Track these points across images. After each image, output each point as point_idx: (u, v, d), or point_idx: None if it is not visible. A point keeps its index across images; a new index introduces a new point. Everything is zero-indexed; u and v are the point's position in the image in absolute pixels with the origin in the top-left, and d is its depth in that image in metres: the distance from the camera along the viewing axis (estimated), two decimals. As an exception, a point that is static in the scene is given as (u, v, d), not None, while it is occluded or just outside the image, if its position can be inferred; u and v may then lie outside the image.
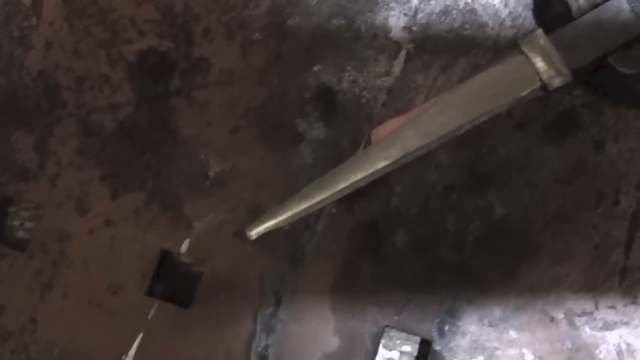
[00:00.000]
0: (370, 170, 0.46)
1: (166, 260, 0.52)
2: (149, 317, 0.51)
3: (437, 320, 0.50)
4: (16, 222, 0.54)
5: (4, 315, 0.52)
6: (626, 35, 0.47)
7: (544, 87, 0.46)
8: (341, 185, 0.47)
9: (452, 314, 0.50)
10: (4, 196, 0.53)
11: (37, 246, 0.52)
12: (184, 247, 0.52)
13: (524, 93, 0.46)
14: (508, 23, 0.52)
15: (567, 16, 0.48)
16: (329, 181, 0.47)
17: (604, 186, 0.51)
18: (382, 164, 0.46)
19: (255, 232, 0.47)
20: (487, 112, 0.46)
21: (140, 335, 0.51)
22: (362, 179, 0.47)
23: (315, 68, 0.52)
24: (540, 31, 0.47)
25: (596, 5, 0.48)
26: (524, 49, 0.46)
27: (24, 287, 0.52)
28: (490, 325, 0.50)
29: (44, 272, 0.52)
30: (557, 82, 0.46)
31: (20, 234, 0.54)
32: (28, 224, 0.54)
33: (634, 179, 0.51)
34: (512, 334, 0.50)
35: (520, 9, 0.52)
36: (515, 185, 0.51)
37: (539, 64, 0.46)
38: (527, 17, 0.52)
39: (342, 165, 0.48)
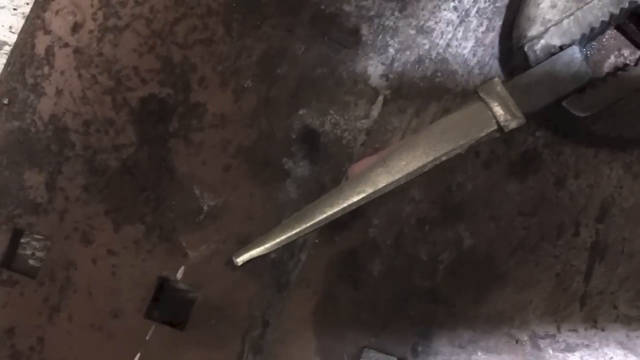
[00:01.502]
0: (345, 204, 0.50)
1: (163, 287, 0.55)
2: (147, 338, 0.54)
3: (411, 342, 0.53)
4: (28, 252, 0.56)
5: (15, 336, 0.54)
6: (578, 82, 0.51)
7: (500, 129, 0.50)
8: (319, 217, 0.50)
9: (425, 336, 0.53)
10: (17, 228, 0.55)
11: (46, 274, 0.54)
12: (179, 275, 0.54)
13: (482, 134, 0.50)
14: (476, 71, 0.56)
15: (526, 65, 0.52)
16: (308, 213, 0.51)
17: (564, 219, 0.54)
18: (355, 198, 0.50)
19: (241, 259, 0.51)
20: (448, 152, 0.50)
21: (138, 355, 0.53)
22: (337, 212, 0.50)
23: (301, 112, 0.56)
24: (496, 79, 0.51)
25: (552, 55, 0.51)
26: (482, 95, 0.50)
27: (34, 311, 0.54)
28: (460, 346, 0.53)
29: (51, 297, 0.54)
30: (512, 124, 0.50)
31: (31, 262, 0.56)
32: (38, 254, 0.56)
33: (593, 212, 0.54)
34: (480, 354, 0.53)
35: (487, 58, 0.56)
36: (482, 218, 0.54)
37: (495, 108, 0.50)
38: (493, 66, 0.56)
39: (320, 199, 0.51)
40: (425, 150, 0.49)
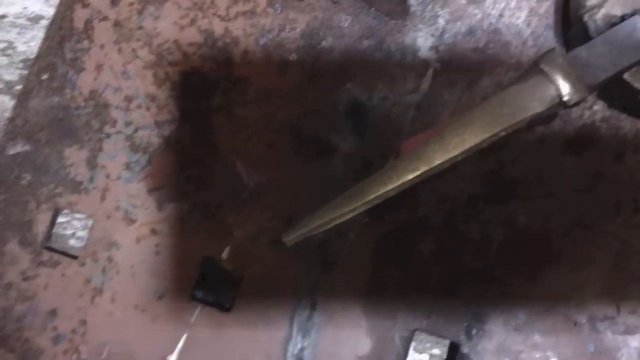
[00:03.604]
0: (398, 182, 0.48)
1: (208, 266, 0.54)
2: (192, 320, 0.53)
3: (465, 324, 0.52)
4: (69, 232, 0.56)
5: (57, 318, 0.53)
6: (641, 54, 0.49)
7: (562, 103, 0.47)
8: (371, 196, 0.48)
9: (479, 318, 0.52)
10: (57, 207, 0.54)
11: (87, 254, 0.54)
12: (225, 254, 0.53)
13: (542, 109, 0.47)
14: (530, 42, 0.54)
15: (585, 35, 0.50)
16: (359, 192, 0.48)
17: (623, 196, 0.52)
18: (409, 176, 0.48)
19: (291, 239, 0.49)
20: (507, 127, 0.47)
21: (184, 337, 0.52)
22: (390, 190, 0.48)
23: (348, 85, 0.54)
24: (558, 50, 0.48)
25: (613, 25, 0.49)
26: (543, 66, 0.47)
27: (76, 292, 0.53)
28: (516, 329, 0.52)
29: (94, 278, 0.53)
30: (574, 98, 0.47)
31: (72, 242, 0.55)
32: (80, 233, 0.55)
33: (653, 189, 0.53)
34: (537, 337, 0.52)
35: (542, 29, 0.54)
36: (536, 195, 0.52)
37: (557, 81, 0.47)
38: (548, 37, 0.54)
39: (372, 177, 0.49)
40: (483, 125, 0.47)
